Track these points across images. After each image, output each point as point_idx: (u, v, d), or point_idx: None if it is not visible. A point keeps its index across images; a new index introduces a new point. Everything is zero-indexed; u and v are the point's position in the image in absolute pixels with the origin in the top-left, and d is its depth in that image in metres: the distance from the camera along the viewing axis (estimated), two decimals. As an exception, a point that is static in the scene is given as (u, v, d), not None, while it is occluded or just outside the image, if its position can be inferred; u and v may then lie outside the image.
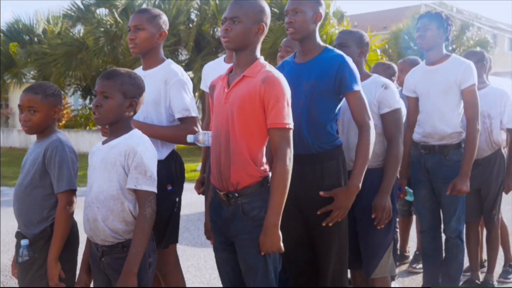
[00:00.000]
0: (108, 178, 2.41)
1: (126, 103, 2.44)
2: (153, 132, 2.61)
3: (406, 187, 3.81)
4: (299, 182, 2.56)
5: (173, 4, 13.29)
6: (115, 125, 2.47)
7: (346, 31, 3.36)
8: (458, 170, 3.51)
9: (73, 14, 14.95)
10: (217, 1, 13.87)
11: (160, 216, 2.86)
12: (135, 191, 2.40)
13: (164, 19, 3.14)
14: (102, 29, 13.58)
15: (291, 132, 2.36)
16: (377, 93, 3.10)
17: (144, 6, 13.78)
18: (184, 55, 15.17)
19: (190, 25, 14.28)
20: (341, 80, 2.74)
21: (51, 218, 2.67)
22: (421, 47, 3.65)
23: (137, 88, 2.49)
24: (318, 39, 2.89)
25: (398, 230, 4.36)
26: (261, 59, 2.48)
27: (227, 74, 2.55)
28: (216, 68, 3.59)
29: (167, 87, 3.01)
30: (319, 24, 2.86)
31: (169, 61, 3.14)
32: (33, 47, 15.57)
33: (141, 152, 2.39)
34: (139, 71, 3.03)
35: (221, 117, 2.46)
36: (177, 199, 3.08)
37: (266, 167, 2.46)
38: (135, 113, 2.52)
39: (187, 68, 13.48)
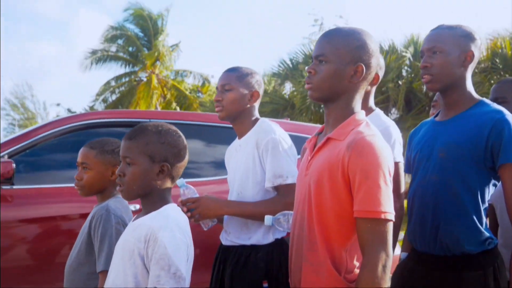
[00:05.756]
0: (123, 270, 1.82)
1: (155, 169, 1.85)
2: (244, 211, 2.25)
3: None
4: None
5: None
6: (145, 198, 1.90)
7: (506, 81, 2.71)
8: None
9: (281, 72, 15.34)
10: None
11: None
12: None
13: (258, 78, 2.64)
14: (310, 87, 13.66)
15: (390, 225, 1.60)
16: None
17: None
18: (394, 113, 14.51)
19: (399, 82, 13.61)
20: (495, 145, 1.97)
21: None
22: None
23: (170, 147, 1.89)
24: (470, 89, 2.12)
25: None
26: (359, 114, 1.80)
27: (317, 134, 1.93)
28: None
29: (259, 152, 2.49)
30: (470, 67, 2.09)
31: (262, 119, 2.63)
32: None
33: (164, 239, 1.74)
34: (235, 141, 2.67)
35: (299, 194, 1.86)
36: None
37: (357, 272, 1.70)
38: (173, 180, 1.92)
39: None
